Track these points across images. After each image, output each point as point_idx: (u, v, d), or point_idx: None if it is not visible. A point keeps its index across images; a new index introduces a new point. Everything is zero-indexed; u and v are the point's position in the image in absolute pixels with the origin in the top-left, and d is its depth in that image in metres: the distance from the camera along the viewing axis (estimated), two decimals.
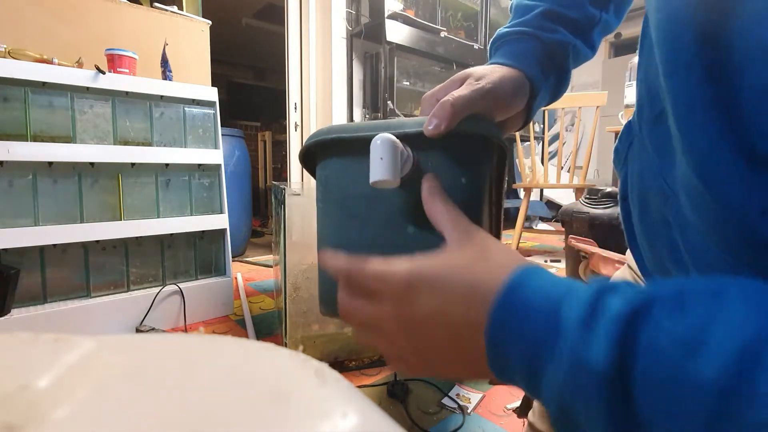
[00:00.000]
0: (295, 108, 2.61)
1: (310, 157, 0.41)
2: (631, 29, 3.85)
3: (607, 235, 1.67)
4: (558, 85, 0.45)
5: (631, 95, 2.03)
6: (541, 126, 2.65)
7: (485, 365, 0.24)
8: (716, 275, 0.25)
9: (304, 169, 0.44)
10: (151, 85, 1.35)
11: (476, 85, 0.36)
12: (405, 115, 2.41)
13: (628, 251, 0.47)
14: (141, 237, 1.36)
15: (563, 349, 0.20)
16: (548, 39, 0.42)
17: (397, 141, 0.33)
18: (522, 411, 0.60)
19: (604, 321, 0.19)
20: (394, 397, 0.94)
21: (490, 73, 0.38)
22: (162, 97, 1.38)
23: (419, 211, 0.34)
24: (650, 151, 0.32)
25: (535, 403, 0.55)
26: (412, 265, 0.27)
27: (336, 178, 0.39)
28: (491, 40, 0.45)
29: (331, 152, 0.39)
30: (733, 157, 0.21)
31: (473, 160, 0.35)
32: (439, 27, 2.54)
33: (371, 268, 0.29)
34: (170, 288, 1.39)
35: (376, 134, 0.33)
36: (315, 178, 0.42)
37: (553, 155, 4.04)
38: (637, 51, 0.35)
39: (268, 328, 1.41)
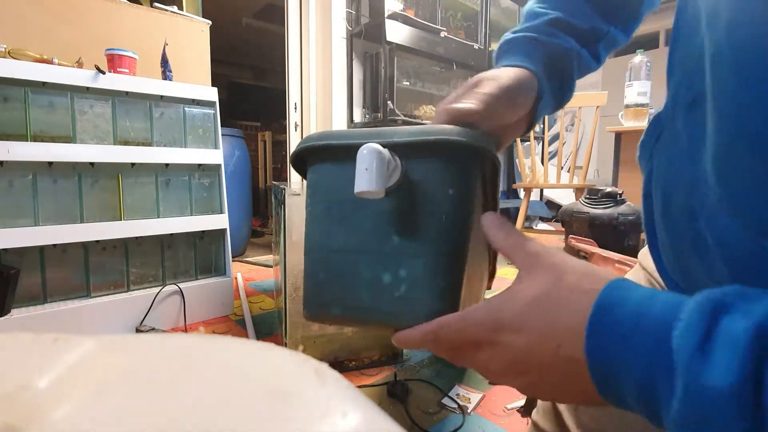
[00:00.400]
0: (295, 108, 2.61)
1: (301, 161, 0.41)
2: None
3: (607, 235, 1.67)
4: (562, 91, 0.45)
5: (631, 95, 2.03)
6: (541, 126, 2.65)
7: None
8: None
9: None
10: (151, 85, 1.35)
11: (494, 83, 0.36)
12: (405, 116, 2.41)
13: (643, 251, 0.46)
14: (141, 237, 1.36)
15: (682, 383, 0.19)
16: (554, 44, 0.42)
17: (384, 151, 0.33)
18: (526, 410, 0.60)
19: (724, 343, 0.18)
20: (394, 397, 0.94)
21: (500, 73, 0.38)
22: (162, 97, 1.38)
23: (406, 220, 0.35)
24: (683, 138, 0.31)
25: (540, 402, 0.55)
26: (488, 311, 0.27)
27: (324, 184, 0.39)
28: (498, 44, 0.46)
29: (321, 158, 0.39)
30: None
31: (462, 172, 0.35)
32: (439, 27, 2.54)
33: (452, 326, 0.29)
34: (170, 288, 1.39)
35: (365, 142, 0.33)
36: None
37: (553, 155, 4.04)
38: (670, 40, 0.35)
39: (268, 328, 1.41)
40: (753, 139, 0.22)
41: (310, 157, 0.40)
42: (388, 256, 0.35)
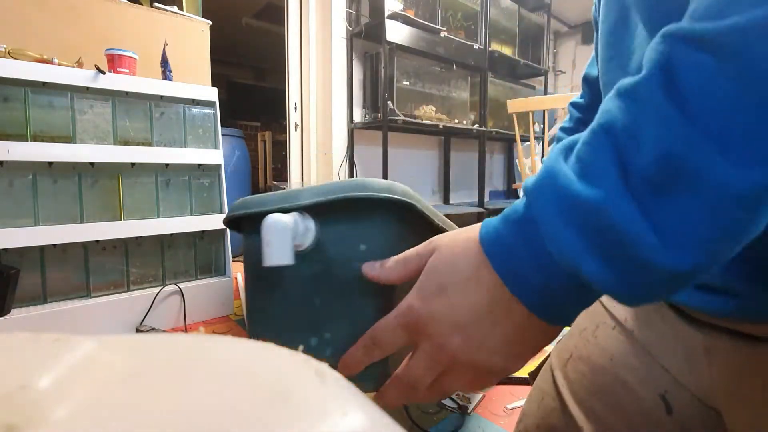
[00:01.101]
0: (295, 108, 2.61)
1: (236, 226, 0.41)
2: None
3: None
4: None
5: None
6: (541, 126, 2.65)
7: (528, 317, 0.25)
8: None
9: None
10: (151, 85, 1.35)
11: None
12: (405, 116, 2.41)
13: None
14: (141, 237, 1.36)
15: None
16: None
17: (288, 219, 0.32)
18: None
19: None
20: None
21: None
22: (162, 97, 1.38)
23: (324, 282, 0.34)
24: None
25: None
26: (410, 295, 0.28)
27: (251, 251, 0.38)
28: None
29: (246, 225, 0.39)
30: None
31: (371, 225, 0.34)
32: (439, 27, 2.54)
33: (386, 319, 0.29)
34: (170, 288, 1.39)
35: (275, 209, 0.33)
36: None
37: None
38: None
39: None
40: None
41: (235, 226, 0.40)
42: (313, 319, 0.35)
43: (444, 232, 0.34)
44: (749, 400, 0.31)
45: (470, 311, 0.26)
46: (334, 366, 0.31)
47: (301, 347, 0.18)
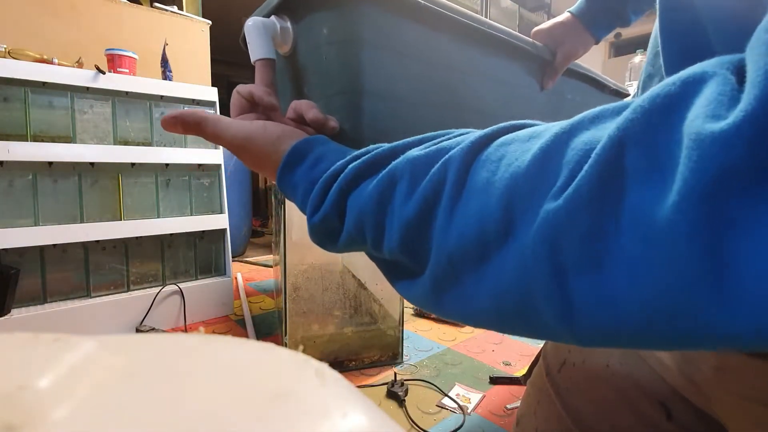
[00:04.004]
0: None
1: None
2: (631, 29, 3.85)
3: None
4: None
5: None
6: None
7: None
8: None
9: None
10: (151, 85, 1.35)
11: None
12: None
13: None
14: (141, 237, 1.36)
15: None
16: None
17: (264, 19, 0.38)
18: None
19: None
20: (393, 397, 0.94)
21: None
22: (162, 97, 1.38)
23: (310, 72, 0.40)
24: None
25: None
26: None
27: None
28: None
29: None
30: None
31: (327, 12, 0.37)
32: None
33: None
34: (170, 288, 1.39)
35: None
36: None
37: None
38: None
39: (268, 328, 1.41)
40: None
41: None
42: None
43: None
44: (756, 416, 0.30)
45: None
46: None
47: (301, 347, 0.18)
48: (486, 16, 2.87)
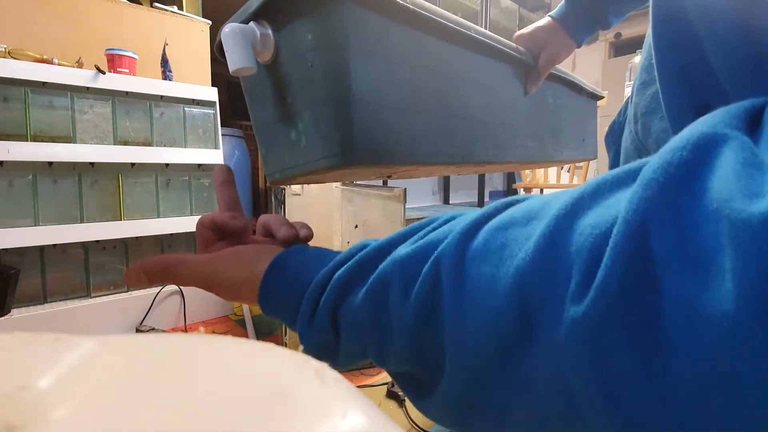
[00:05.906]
0: None
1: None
2: (631, 29, 3.85)
3: None
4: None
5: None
6: None
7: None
8: None
9: None
10: (151, 85, 1.35)
11: None
12: None
13: None
14: (141, 237, 1.36)
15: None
16: None
17: (243, 26, 0.35)
18: None
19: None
20: (393, 397, 0.94)
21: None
22: (162, 97, 1.39)
23: (291, 81, 0.38)
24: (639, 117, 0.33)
25: None
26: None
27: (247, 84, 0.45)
28: None
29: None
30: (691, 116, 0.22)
31: (318, 18, 0.35)
32: None
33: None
34: (170, 288, 1.39)
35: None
36: None
37: None
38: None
39: (268, 328, 1.41)
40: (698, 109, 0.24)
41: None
42: (288, 115, 0.39)
43: None
44: None
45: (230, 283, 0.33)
46: (302, 156, 0.39)
47: (300, 347, 0.18)
48: (486, 16, 2.87)
